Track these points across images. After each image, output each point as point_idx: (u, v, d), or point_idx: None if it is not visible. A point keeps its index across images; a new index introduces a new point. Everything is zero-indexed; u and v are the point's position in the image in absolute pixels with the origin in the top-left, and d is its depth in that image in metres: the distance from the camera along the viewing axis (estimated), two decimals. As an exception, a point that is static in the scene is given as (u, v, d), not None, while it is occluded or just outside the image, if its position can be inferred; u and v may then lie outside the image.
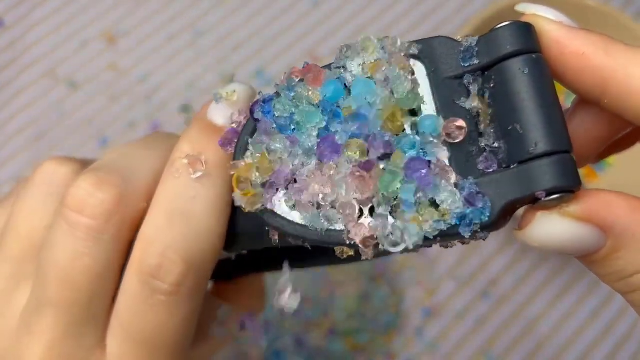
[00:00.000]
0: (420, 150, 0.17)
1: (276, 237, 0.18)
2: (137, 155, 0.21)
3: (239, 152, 0.18)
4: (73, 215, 0.19)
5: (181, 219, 0.19)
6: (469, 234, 0.16)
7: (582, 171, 0.50)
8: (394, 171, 0.16)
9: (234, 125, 0.19)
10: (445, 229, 0.16)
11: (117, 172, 0.20)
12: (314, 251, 0.19)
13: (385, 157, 0.16)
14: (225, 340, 0.27)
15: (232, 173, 0.17)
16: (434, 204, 0.16)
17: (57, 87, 0.48)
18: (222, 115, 0.20)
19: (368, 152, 0.16)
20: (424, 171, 0.16)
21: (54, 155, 0.22)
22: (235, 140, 0.18)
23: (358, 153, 0.16)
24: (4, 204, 0.23)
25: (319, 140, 0.17)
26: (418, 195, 0.16)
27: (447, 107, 0.17)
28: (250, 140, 0.18)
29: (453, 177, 0.16)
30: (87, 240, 0.19)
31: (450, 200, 0.16)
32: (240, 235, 0.21)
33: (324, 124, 0.17)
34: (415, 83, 0.17)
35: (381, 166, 0.16)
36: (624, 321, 0.45)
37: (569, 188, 0.16)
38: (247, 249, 0.22)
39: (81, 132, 0.47)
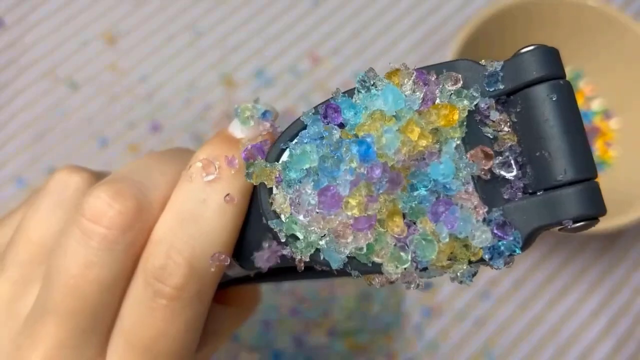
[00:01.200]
0: (446, 182, 0.16)
1: (301, 265, 0.18)
2: (154, 168, 0.21)
3: (272, 155, 0.18)
4: (89, 224, 0.19)
5: (190, 221, 0.19)
6: (501, 265, 0.16)
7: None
8: (430, 240, 0.16)
9: (259, 141, 0.19)
10: (478, 267, 0.16)
11: (135, 184, 0.20)
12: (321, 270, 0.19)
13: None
14: (223, 341, 0.27)
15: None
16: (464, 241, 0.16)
17: (57, 87, 0.48)
18: (241, 130, 0.21)
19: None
20: (452, 214, 0.16)
21: (68, 165, 0.22)
22: (259, 156, 0.19)
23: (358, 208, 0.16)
24: (16, 214, 0.23)
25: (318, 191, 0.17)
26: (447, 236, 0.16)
27: (472, 134, 0.17)
28: (286, 145, 0.18)
29: (482, 212, 0.16)
30: (100, 250, 0.19)
31: (482, 237, 0.16)
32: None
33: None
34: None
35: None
36: (624, 321, 0.45)
37: (595, 216, 0.16)
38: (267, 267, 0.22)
39: (81, 132, 0.47)
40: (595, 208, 0.16)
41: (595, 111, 0.49)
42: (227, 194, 0.19)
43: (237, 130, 0.21)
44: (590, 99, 0.49)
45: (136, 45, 0.50)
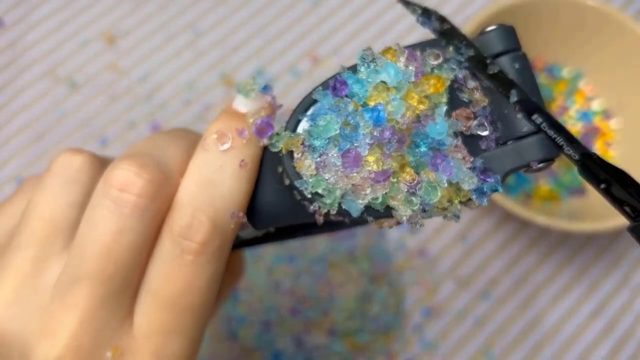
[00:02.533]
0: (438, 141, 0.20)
1: (321, 218, 0.21)
2: (167, 143, 0.23)
3: (291, 125, 0.21)
4: (120, 194, 0.21)
5: (209, 185, 0.21)
6: (486, 202, 0.20)
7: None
8: (434, 186, 0.20)
9: (263, 116, 0.22)
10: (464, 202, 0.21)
11: (156, 157, 0.22)
12: (323, 225, 0.22)
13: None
14: (218, 304, 0.30)
15: (285, 144, 0.21)
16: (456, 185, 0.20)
17: (57, 87, 0.48)
18: (245, 105, 0.23)
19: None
20: (448, 164, 0.20)
21: (68, 148, 0.24)
22: (269, 130, 0.22)
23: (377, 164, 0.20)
24: (12, 203, 0.24)
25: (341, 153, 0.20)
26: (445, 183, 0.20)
27: (453, 99, 0.21)
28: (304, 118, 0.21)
29: (469, 161, 0.20)
30: (132, 217, 0.21)
31: (471, 181, 0.20)
32: (275, 213, 0.23)
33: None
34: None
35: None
36: (624, 321, 0.45)
37: (553, 157, 0.20)
38: (279, 226, 0.24)
39: (81, 132, 0.47)
40: (553, 152, 0.20)
41: (595, 111, 0.49)
42: (242, 160, 0.22)
43: (241, 105, 0.23)
44: (590, 99, 0.49)
45: (136, 45, 0.50)
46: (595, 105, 0.49)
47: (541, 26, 0.47)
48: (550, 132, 0.20)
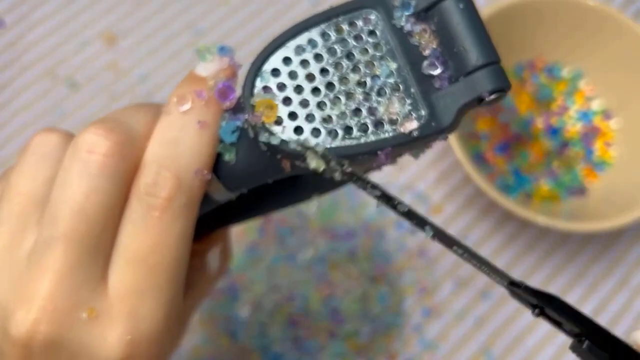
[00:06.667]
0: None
1: (288, 166, 0.22)
2: (135, 113, 0.24)
3: (248, 89, 0.22)
4: (89, 155, 0.22)
5: (172, 145, 0.22)
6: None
7: (582, 172, 0.50)
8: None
9: (223, 78, 0.24)
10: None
11: (124, 123, 0.23)
12: (294, 189, 0.24)
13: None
14: (209, 290, 0.31)
15: (252, 103, 0.22)
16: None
17: (57, 87, 0.48)
18: (205, 69, 0.24)
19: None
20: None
21: (44, 128, 0.24)
22: (231, 93, 0.23)
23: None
24: None
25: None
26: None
27: (404, 44, 0.22)
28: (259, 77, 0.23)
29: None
30: (101, 176, 0.21)
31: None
32: (243, 170, 0.24)
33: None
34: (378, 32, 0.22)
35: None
36: (623, 321, 0.45)
37: (505, 88, 0.21)
38: (251, 186, 0.25)
39: (81, 132, 0.47)
40: (504, 82, 0.21)
41: (595, 111, 0.49)
42: (201, 120, 0.23)
43: (201, 69, 0.24)
44: (590, 99, 0.49)
45: (136, 45, 0.50)
46: (595, 105, 0.49)
47: (541, 26, 0.47)
48: (474, 263, 0.21)
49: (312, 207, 0.45)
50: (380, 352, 0.43)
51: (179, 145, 0.22)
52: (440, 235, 0.21)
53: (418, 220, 0.21)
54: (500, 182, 0.47)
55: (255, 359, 0.42)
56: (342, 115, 0.22)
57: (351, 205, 0.46)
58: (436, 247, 0.46)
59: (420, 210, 0.46)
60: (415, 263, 0.45)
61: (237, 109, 0.23)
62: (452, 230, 0.46)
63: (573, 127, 0.49)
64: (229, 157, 0.23)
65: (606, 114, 0.49)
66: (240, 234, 0.44)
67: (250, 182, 0.25)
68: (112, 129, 0.22)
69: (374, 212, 0.46)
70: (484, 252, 0.46)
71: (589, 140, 0.49)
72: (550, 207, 0.46)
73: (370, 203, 0.46)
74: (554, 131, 0.49)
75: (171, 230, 0.22)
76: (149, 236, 0.22)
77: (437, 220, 0.46)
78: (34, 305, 0.21)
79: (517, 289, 0.20)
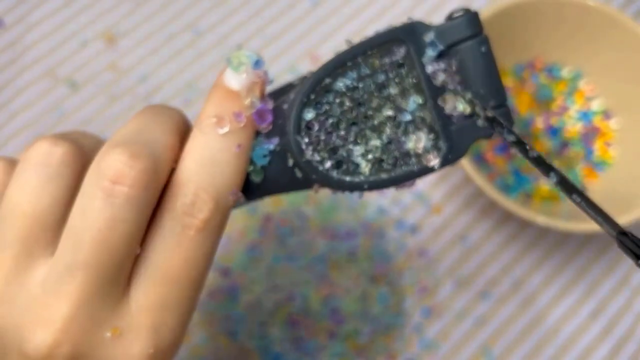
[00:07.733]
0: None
1: (318, 187, 0.24)
2: (154, 127, 0.23)
3: (294, 126, 0.23)
4: (113, 186, 0.21)
5: (210, 166, 0.22)
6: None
7: (582, 172, 0.50)
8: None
9: (258, 97, 0.24)
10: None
11: (146, 144, 0.22)
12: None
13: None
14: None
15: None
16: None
17: (57, 87, 0.48)
18: (237, 80, 0.24)
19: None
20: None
21: (46, 135, 0.23)
22: (269, 116, 0.24)
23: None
24: None
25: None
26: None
27: (427, 79, 0.23)
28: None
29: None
30: (125, 207, 0.21)
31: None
32: (269, 188, 0.25)
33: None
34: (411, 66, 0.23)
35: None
36: (624, 321, 0.45)
37: (511, 127, 0.23)
38: (268, 196, 0.26)
39: (81, 132, 0.47)
40: (512, 122, 0.24)
41: (595, 111, 0.49)
42: (239, 144, 0.23)
43: (232, 81, 0.23)
44: (590, 99, 0.49)
45: (136, 45, 0.50)
46: (595, 105, 0.49)
47: (541, 26, 0.47)
48: (590, 212, 0.21)
49: (312, 207, 0.45)
50: (380, 352, 0.43)
51: (216, 166, 0.22)
52: (564, 182, 0.22)
53: (545, 167, 0.22)
54: (500, 182, 0.47)
55: (254, 358, 0.42)
56: (376, 149, 0.23)
57: (351, 205, 0.46)
58: (436, 247, 0.46)
59: (420, 210, 0.46)
60: (415, 263, 0.45)
61: (270, 132, 0.24)
62: (452, 230, 0.46)
63: (573, 127, 0.49)
64: (258, 178, 0.24)
65: (606, 114, 0.49)
66: (240, 234, 0.44)
67: (269, 194, 0.25)
68: (137, 156, 0.21)
69: (374, 212, 0.46)
70: (484, 252, 0.46)
71: (588, 140, 0.49)
72: (550, 207, 0.46)
73: (370, 203, 0.46)
74: (553, 131, 0.49)
75: (202, 248, 0.22)
76: (181, 253, 0.22)
77: (437, 220, 0.46)
78: (53, 327, 0.21)
79: (625, 237, 0.20)
